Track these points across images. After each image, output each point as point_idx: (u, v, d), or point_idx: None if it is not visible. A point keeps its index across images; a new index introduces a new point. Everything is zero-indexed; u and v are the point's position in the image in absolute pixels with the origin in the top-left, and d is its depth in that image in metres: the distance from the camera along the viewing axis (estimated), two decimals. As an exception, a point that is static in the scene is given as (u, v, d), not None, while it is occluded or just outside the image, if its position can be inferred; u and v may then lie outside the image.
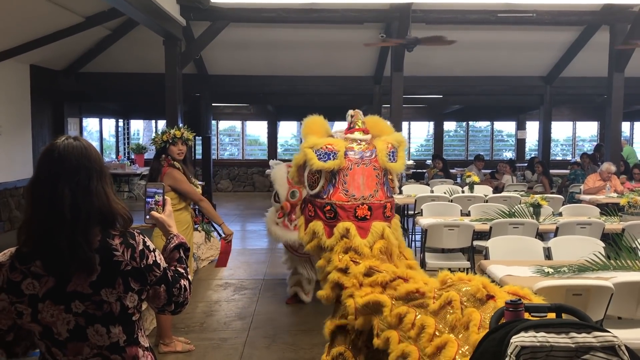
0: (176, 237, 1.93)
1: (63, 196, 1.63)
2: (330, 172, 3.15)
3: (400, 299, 2.65)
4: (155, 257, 1.75)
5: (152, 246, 1.76)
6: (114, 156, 15.59)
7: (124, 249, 1.68)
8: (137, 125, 17.41)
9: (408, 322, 2.49)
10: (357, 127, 3.37)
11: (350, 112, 3.46)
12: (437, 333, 2.34)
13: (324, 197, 3.16)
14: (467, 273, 5.83)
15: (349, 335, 3.08)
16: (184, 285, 1.83)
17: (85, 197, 1.65)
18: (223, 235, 4.63)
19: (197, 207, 4.83)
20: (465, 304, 2.33)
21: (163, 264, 1.78)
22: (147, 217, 1.94)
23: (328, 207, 3.14)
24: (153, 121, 16.82)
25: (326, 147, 3.17)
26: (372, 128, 3.42)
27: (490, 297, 2.31)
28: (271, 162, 6.19)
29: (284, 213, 5.31)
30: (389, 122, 3.58)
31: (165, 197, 1.97)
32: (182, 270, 1.86)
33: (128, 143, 16.42)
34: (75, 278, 1.63)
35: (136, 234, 1.75)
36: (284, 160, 6.13)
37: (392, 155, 3.27)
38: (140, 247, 1.72)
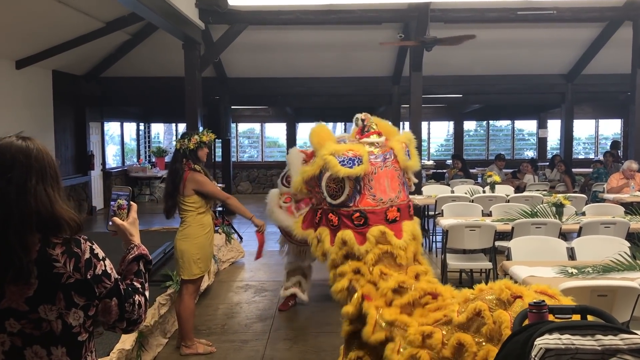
0: (137, 248, 1.73)
1: None
2: (355, 179, 3.08)
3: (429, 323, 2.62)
4: (105, 266, 1.57)
5: (101, 254, 1.58)
6: (135, 159, 15.76)
7: (66, 259, 1.50)
8: (157, 129, 17.58)
9: (437, 341, 2.46)
10: (372, 129, 3.35)
11: (360, 115, 3.44)
12: (477, 349, 2.31)
13: (351, 204, 3.09)
14: (488, 274, 5.77)
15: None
16: (139, 301, 1.64)
17: (19, 196, 1.48)
18: (256, 229, 4.68)
19: (216, 209, 4.84)
20: (492, 309, 2.30)
21: (114, 274, 1.60)
22: (110, 223, 1.76)
23: (357, 214, 3.08)
24: (173, 124, 16.97)
25: (349, 153, 3.10)
26: (381, 130, 3.41)
27: (517, 296, 2.28)
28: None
29: (292, 199, 4.97)
30: (389, 122, 3.59)
31: (132, 203, 1.80)
32: (138, 285, 1.67)
33: (149, 146, 16.59)
34: (10, 293, 1.47)
35: (82, 240, 1.56)
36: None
37: (407, 154, 3.34)
38: (87, 255, 1.54)
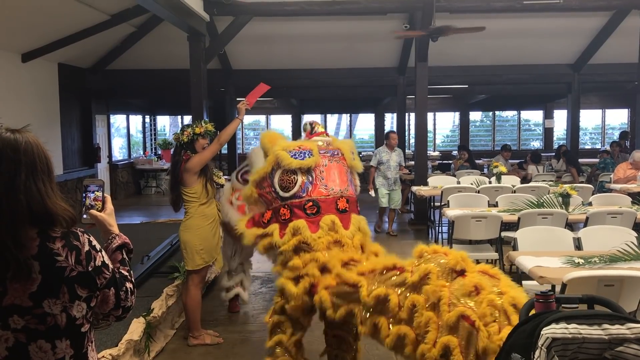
0: (118, 237, 1.74)
1: None
2: (306, 170, 3.25)
3: (381, 280, 2.66)
4: (103, 257, 1.59)
5: (98, 246, 1.60)
6: (141, 152, 15.80)
7: (68, 252, 1.50)
8: (163, 121, 17.62)
9: (394, 305, 2.50)
10: (319, 131, 3.59)
11: (309, 121, 3.70)
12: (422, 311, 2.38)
13: (304, 195, 3.23)
14: (495, 264, 5.78)
15: (289, 328, 3.33)
16: (130, 287, 1.68)
17: (8, 192, 1.46)
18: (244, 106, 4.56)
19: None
20: (439, 276, 2.38)
21: (111, 264, 1.63)
22: (85, 216, 1.74)
23: (310, 204, 3.20)
24: (179, 117, 16.99)
25: (299, 148, 3.30)
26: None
27: (460, 272, 2.33)
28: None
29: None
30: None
31: (105, 195, 1.78)
32: (126, 273, 1.69)
33: (155, 139, 16.62)
34: (12, 290, 1.46)
35: (80, 233, 1.57)
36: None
37: (353, 156, 3.56)
38: (86, 248, 1.55)
